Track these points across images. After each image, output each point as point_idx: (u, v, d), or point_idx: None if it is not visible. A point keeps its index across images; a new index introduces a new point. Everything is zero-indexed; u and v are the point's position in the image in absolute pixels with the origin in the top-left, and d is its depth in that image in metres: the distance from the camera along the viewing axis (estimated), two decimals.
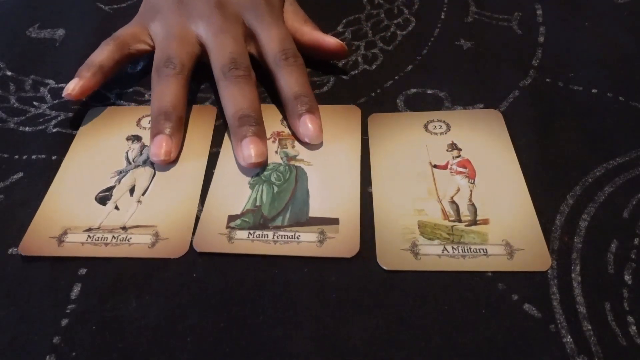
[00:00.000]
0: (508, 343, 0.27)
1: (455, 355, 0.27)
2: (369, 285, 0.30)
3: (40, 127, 0.40)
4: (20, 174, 0.37)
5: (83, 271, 0.31)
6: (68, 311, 0.30)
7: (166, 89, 0.38)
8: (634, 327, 0.28)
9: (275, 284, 0.30)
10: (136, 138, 0.39)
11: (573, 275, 0.30)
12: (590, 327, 0.28)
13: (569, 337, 0.27)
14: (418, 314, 0.29)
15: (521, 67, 0.43)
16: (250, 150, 0.35)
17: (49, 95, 0.43)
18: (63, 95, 0.38)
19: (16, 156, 0.38)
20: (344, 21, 0.49)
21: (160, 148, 0.36)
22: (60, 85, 0.44)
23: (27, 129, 0.41)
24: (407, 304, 0.29)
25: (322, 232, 0.32)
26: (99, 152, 0.38)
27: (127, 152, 0.38)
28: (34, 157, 0.38)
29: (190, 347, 0.28)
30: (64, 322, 0.29)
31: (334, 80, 0.43)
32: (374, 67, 0.44)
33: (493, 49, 0.45)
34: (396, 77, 0.43)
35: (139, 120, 0.40)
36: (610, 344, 0.27)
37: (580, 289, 0.29)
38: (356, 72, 0.44)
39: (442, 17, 0.49)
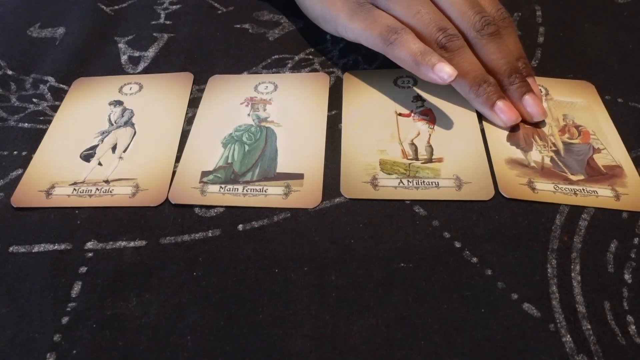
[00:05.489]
0: (507, 342, 0.27)
1: (454, 355, 0.27)
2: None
3: (40, 126, 0.41)
4: (20, 171, 0.37)
5: (83, 269, 0.31)
6: (69, 309, 0.30)
7: (466, 59, 0.37)
8: (633, 327, 0.28)
9: (275, 282, 0.30)
10: (118, 102, 0.42)
11: (573, 274, 0.30)
12: (589, 327, 0.28)
13: (569, 336, 0.27)
14: (417, 313, 0.29)
15: None
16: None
17: (49, 94, 0.43)
18: (447, 80, 0.35)
19: (15, 152, 0.39)
20: None
21: (509, 113, 0.37)
22: (60, 85, 0.44)
23: (26, 125, 0.41)
24: (407, 304, 0.29)
25: (288, 186, 0.35)
26: (84, 115, 0.41)
27: (109, 115, 0.41)
28: (33, 154, 0.38)
29: (190, 346, 0.28)
30: (65, 320, 0.29)
31: (334, 79, 0.43)
32: (373, 66, 0.44)
33: None
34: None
35: (121, 87, 0.43)
36: (609, 344, 0.27)
37: (579, 289, 0.29)
38: (357, 70, 0.44)
39: None
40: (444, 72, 0.35)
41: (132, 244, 0.33)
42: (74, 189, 0.36)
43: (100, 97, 0.43)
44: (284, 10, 0.50)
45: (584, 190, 0.34)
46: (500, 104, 0.37)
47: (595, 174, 0.35)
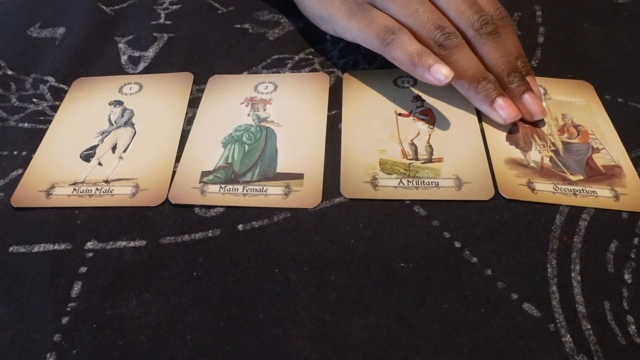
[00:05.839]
0: (507, 342, 0.27)
1: (454, 355, 0.27)
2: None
3: (40, 126, 0.41)
4: (20, 171, 0.37)
5: (83, 269, 0.31)
6: (69, 309, 0.30)
7: (465, 56, 0.37)
8: (633, 327, 0.28)
9: (275, 282, 0.30)
10: (118, 102, 0.42)
11: (573, 274, 0.30)
12: (589, 327, 0.28)
13: (568, 336, 0.27)
14: (417, 313, 0.29)
15: None
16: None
17: (49, 94, 0.43)
18: (443, 82, 0.35)
19: (15, 152, 0.39)
20: None
21: (509, 110, 0.37)
22: (60, 84, 0.44)
23: (26, 125, 0.41)
24: (407, 304, 0.29)
25: (288, 186, 0.35)
26: (84, 115, 0.41)
27: (109, 115, 0.41)
28: (33, 154, 0.38)
29: (190, 346, 0.28)
30: (65, 320, 0.29)
31: (334, 79, 0.43)
32: (373, 66, 0.44)
33: None
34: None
35: (121, 87, 0.43)
36: (609, 343, 0.27)
37: (579, 288, 0.29)
38: (356, 71, 0.44)
39: None
40: (441, 73, 0.35)
41: (132, 244, 0.33)
42: (74, 189, 0.36)
43: (100, 97, 0.43)
44: (284, 10, 0.50)
45: (583, 190, 0.34)
46: (500, 100, 0.37)
47: (595, 174, 0.35)
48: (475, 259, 0.31)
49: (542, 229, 0.32)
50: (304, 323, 0.29)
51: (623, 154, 0.36)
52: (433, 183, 0.35)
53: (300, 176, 0.36)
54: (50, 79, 0.45)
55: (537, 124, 0.38)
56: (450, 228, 0.32)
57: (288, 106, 0.41)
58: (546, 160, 0.36)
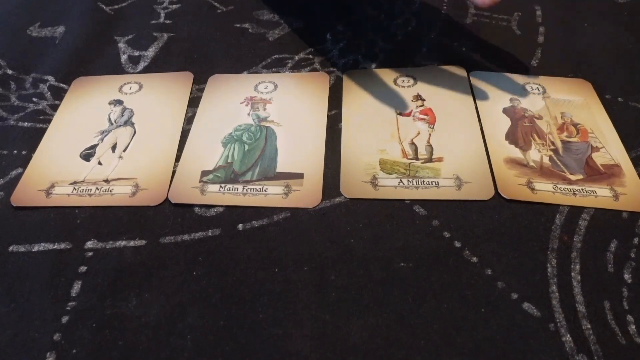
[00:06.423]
0: (507, 342, 0.27)
1: (454, 355, 0.27)
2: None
3: (40, 125, 0.40)
4: (19, 170, 0.37)
5: (83, 269, 0.31)
6: (69, 308, 0.30)
7: None
8: (633, 326, 0.28)
9: (275, 282, 0.30)
10: (118, 102, 0.42)
11: (573, 274, 0.30)
12: (589, 326, 0.28)
13: (568, 336, 0.28)
14: (417, 313, 0.29)
15: (521, 67, 0.43)
16: None
17: (49, 93, 0.43)
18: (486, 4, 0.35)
19: (15, 151, 0.39)
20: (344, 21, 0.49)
21: None
22: (60, 84, 0.44)
23: (26, 124, 0.41)
24: (407, 304, 0.29)
25: (288, 185, 0.35)
26: (84, 115, 0.41)
27: (109, 114, 0.41)
28: (33, 153, 0.38)
29: (190, 345, 0.28)
30: (65, 319, 0.29)
31: (334, 79, 0.43)
32: (373, 66, 0.44)
33: (493, 49, 0.45)
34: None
35: (121, 87, 0.43)
36: (609, 343, 0.27)
37: (579, 288, 0.29)
38: (356, 70, 0.44)
39: (442, 17, 0.49)
40: None
41: (132, 243, 0.33)
42: (74, 188, 0.36)
43: (100, 97, 0.43)
44: (283, 10, 0.50)
45: (583, 190, 0.34)
46: None
47: (594, 173, 0.35)
48: (475, 259, 0.31)
49: (542, 228, 0.32)
50: (304, 323, 0.29)
51: (622, 153, 0.36)
52: (433, 183, 0.35)
53: (300, 176, 0.36)
54: (50, 78, 0.45)
55: (535, 123, 0.38)
56: (450, 228, 0.32)
57: (288, 106, 0.41)
58: (545, 160, 0.36)
